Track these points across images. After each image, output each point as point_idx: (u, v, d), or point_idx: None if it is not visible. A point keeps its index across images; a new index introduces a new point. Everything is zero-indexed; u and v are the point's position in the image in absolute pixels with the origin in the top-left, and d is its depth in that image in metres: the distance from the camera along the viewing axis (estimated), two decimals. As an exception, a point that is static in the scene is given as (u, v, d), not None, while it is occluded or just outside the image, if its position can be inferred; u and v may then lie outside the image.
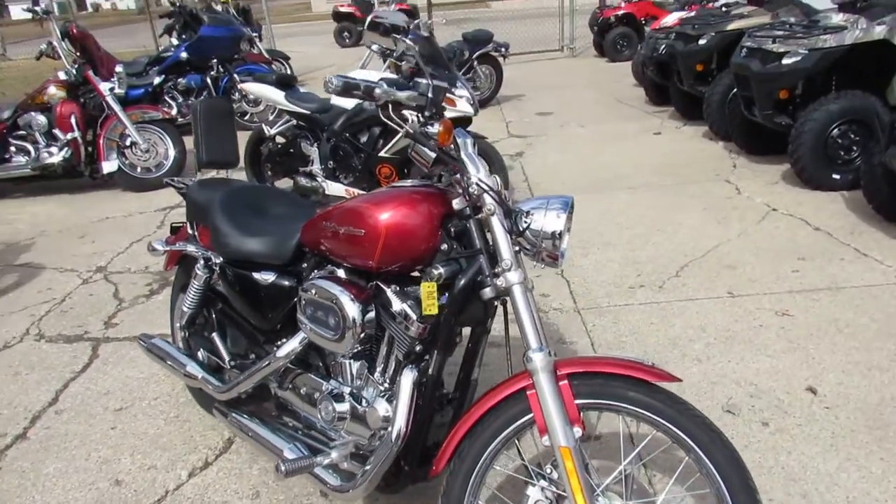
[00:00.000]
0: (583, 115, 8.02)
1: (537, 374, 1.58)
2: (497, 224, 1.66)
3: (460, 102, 4.37)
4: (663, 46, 7.22)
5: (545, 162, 6.20)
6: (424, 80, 1.70)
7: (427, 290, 1.70)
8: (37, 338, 3.56)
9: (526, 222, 1.71)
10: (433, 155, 1.74)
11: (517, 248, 1.73)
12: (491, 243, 1.70)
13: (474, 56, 8.83)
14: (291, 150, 5.15)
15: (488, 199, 1.66)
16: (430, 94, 1.69)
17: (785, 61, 4.85)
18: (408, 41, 1.70)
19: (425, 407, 1.84)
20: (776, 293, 3.38)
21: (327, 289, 1.86)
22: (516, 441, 1.73)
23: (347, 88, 1.59)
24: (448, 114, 4.29)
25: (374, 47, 5.36)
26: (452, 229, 1.77)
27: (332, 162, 4.81)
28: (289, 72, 10.21)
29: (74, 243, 4.98)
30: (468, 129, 4.56)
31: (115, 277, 4.27)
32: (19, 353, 3.40)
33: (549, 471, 1.69)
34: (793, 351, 2.88)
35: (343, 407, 1.93)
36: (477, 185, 1.67)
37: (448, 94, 4.34)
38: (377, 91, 1.61)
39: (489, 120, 8.16)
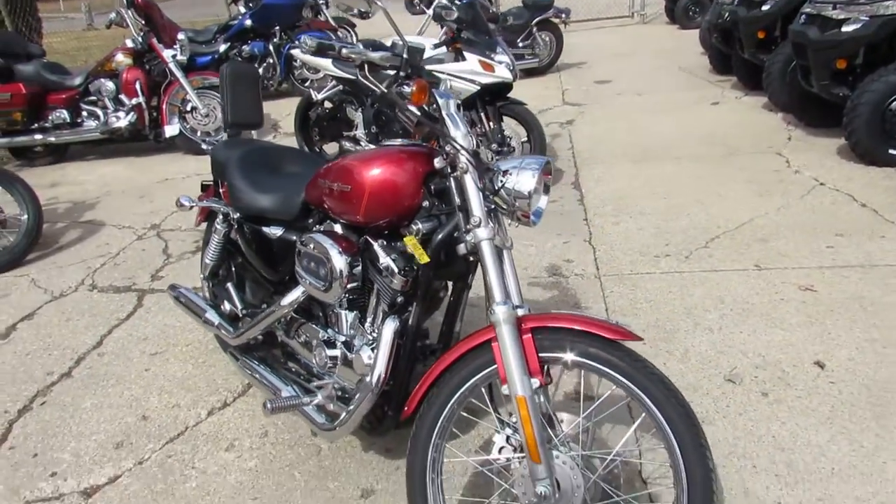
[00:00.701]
0: (642, 84, 7.84)
1: (499, 325, 1.64)
2: (470, 182, 1.72)
3: (499, 68, 4.39)
4: (727, 13, 6.96)
5: (594, 130, 6.13)
6: (399, 41, 1.76)
7: (411, 242, 1.79)
8: (90, 288, 3.84)
9: (501, 181, 1.76)
10: (416, 115, 1.81)
11: (492, 207, 1.78)
12: None
13: (534, 22, 8.73)
14: (338, 115, 5.29)
15: (462, 158, 1.72)
16: (404, 55, 1.75)
17: (844, 29, 4.63)
18: (378, 3, 1.74)
19: (406, 356, 1.94)
20: (805, 268, 3.30)
21: (320, 242, 1.96)
22: (483, 390, 1.80)
23: (321, 49, 1.68)
24: (486, 79, 4.36)
25: (355, 10, 5.38)
26: (434, 187, 1.84)
27: (374, 127, 4.91)
28: (354, 39, 10.34)
29: (135, 203, 5.29)
30: (508, 95, 4.63)
31: (167, 234, 4.54)
32: (73, 301, 3.69)
33: (514, 420, 1.76)
34: (809, 325, 2.82)
35: (334, 353, 2.05)
36: (451, 144, 1.73)
37: (486, 60, 4.38)
38: (344, 51, 1.68)
39: (546, 87, 8.10)
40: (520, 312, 1.79)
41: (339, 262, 1.91)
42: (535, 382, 1.63)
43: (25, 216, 4.23)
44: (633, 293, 3.21)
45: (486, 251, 1.69)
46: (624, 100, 7.21)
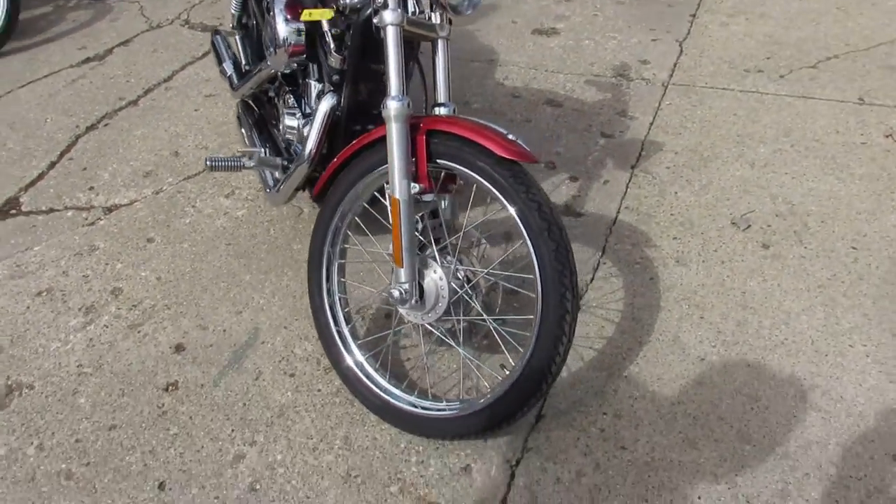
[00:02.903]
0: None
1: (389, 122, 1.54)
2: None
3: None
4: None
5: None
6: None
7: (316, 14, 1.69)
8: (183, 23, 4.02)
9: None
10: None
11: (420, -12, 1.59)
12: None
13: None
14: None
15: (382, -78, 1.51)
16: None
17: None
18: None
19: (342, 135, 1.91)
20: (922, 110, 2.71)
21: (274, 5, 1.89)
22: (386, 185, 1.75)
23: None
24: None
25: None
26: None
27: None
28: None
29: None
30: None
31: (270, -23, 4.53)
32: (165, 34, 3.90)
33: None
34: (874, 180, 2.38)
35: (291, 122, 2.07)
36: None
37: None
38: None
39: None
40: (442, 111, 1.68)
41: (283, 28, 1.85)
42: (416, 187, 1.56)
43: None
44: (692, 110, 2.84)
45: (390, 38, 1.54)
46: None
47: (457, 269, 1.62)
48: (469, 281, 1.65)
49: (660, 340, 1.90)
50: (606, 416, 1.72)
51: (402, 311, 1.66)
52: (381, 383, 1.74)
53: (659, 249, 2.18)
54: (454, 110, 1.70)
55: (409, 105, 1.55)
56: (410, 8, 1.61)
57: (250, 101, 2.55)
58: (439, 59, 1.69)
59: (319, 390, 1.86)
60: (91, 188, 2.72)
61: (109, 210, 2.60)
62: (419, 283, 1.60)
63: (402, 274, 1.58)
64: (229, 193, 2.62)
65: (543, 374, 1.49)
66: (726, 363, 1.82)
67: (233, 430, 1.77)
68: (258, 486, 1.64)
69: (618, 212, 2.35)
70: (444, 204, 1.69)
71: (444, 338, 1.72)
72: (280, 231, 2.41)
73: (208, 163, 2.02)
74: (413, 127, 1.58)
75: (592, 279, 2.11)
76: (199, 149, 2.89)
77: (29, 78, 3.53)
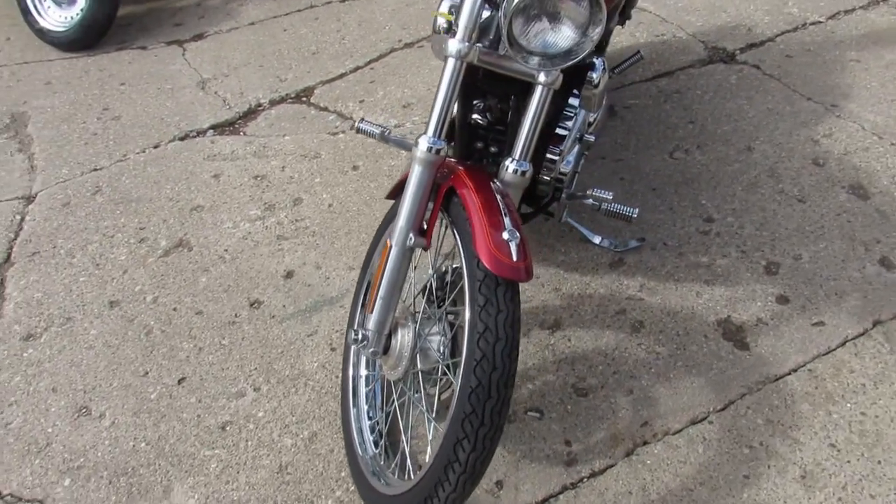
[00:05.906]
0: None
1: (413, 161, 1.36)
2: None
3: None
4: None
5: None
6: None
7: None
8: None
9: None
10: None
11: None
12: None
13: None
14: None
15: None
16: None
17: None
18: None
19: (459, 144, 1.75)
20: None
21: None
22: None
23: None
24: None
25: None
26: None
27: None
28: None
29: None
30: None
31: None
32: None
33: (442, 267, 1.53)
34: None
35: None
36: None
37: None
38: None
39: None
40: (510, 168, 1.41)
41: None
42: (412, 239, 1.37)
43: None
44: None
45: (446, 69, 1.32)
46: None
47: (425, 344, 1.42)
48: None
49: (676, 555, 1.42)
50: (530, 592, 1.39)
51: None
52: (360, 402, 1.66)
53: (796, 447, 1.56)
54: (522, 173, 1.40)
55: (439, 152, 1.34)
56: (503, 48, 1.33)
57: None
58: (529, 108, 1.39)
59: (338, 377, 1.85)
60: (361, 101, 2.97)
61: (345, 119, 2.82)
62: (388, 335, 1.45)
63: (370, 321, 1.43)
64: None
65: (429, 495, 1.26)
66: None
67: (254, 370, 1.90)
68: (227, 429, 1.76)
69: (794, 370, 1.72)
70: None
71: (393, 398, 1.55)
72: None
73: (358, 124, 2.04)
74: (444, 175, 1.37)
75: (677, 432, 1.63)
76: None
77: (405, -17, 3.88)
